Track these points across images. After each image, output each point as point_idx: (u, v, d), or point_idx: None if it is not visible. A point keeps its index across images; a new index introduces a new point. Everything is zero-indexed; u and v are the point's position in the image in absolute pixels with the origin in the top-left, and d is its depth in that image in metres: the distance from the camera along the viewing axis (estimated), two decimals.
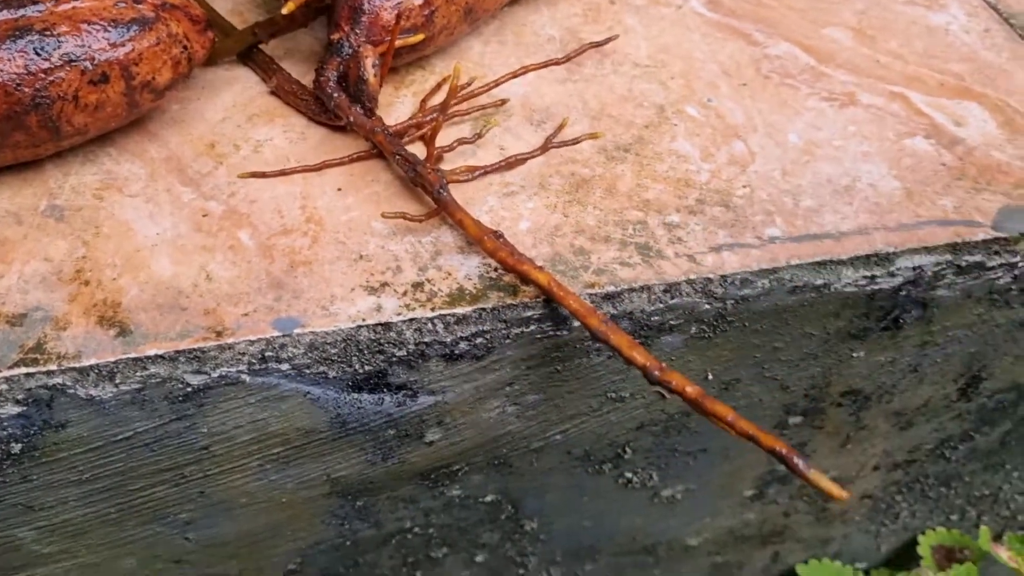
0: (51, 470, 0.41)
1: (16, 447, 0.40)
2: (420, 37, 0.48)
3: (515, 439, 0.48)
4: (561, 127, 0.48)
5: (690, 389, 0.36)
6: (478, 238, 0.41)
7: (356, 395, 0.43)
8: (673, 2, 0.57)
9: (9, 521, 0.43)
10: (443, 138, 0.48)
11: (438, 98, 0.50)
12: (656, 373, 0.37)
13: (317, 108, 0.48)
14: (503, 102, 0.49)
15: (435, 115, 0.46)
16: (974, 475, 0.62)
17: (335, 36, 0.47)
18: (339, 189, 0.46)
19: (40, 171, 0.45)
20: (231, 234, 0.43)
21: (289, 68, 0.51)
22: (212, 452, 0.43)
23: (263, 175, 0.46)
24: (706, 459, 0.53)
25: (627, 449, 0.51)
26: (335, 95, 0.46)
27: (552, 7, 0.56)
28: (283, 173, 0.46)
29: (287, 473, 0.45)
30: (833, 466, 0.57)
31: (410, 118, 0.48)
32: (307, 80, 0.50)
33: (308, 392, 0.42)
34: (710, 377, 0.48)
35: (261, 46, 0.51)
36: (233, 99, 0.50)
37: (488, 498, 0.51)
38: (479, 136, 0.47)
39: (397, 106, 0.50)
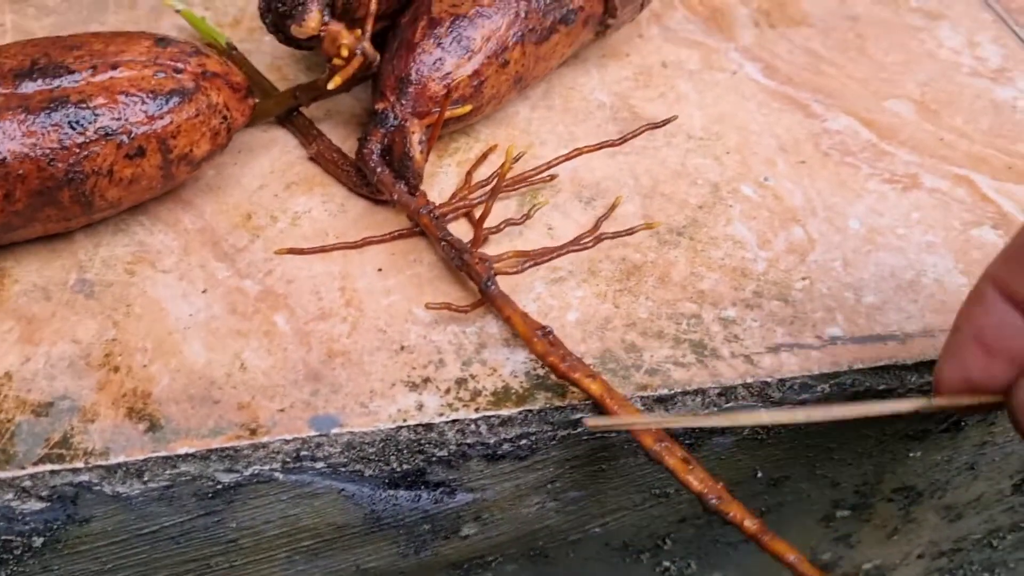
0: (72, 561, 0.40)
1: (38, 541, 0.38)
2: (467, 108, 0.46)
3: (553, 532, 0.46)
4: (613, 207, 0.46)
5: (749, 523, 0.34)
6: (527, 338, 0.39)
7: (392, 492, 0.41)
8: (727, 67, 0.55)
9: None
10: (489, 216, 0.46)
11: (484, 169, 0.48)
12: (714, 501, 0.35)
13: (358, 179, 0.46)
14: (552, 178, 0.47)
15: (482, 196, 0.44)
16: (1020, 563, 0.60)
17: (380, 106, 0.45)
18: (380, 269, 0.44)
19: (70, 242, 0.44)
20: (267, 317, 0.42)
21: (328, 131, 0.49)
22: (240, 545, 0.41)
23: (301, 251, 0.44)
24: (747, 548, 0.51)
25: (667, 540, 0.49)
26: (378, 170, 0.44)
27: (602, 69, 0.54)
28: (322, 250, 0.44)
29: (316, 564, 0.43)
30: (878, 555, 0.55)
31: (455, 193, 0.46)
32: (347, 146, 0.48)
33: (343, 489, 0.40)
34: (759, 475, 0.45)
35: (301, 109, 0.49)
36: (271, 164, 0.48)
37: None
38: (527, 217, 0.45)
39: (440, 176, 0.48)
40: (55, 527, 0.38)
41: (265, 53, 0.54)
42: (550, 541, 0.46)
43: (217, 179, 0.47)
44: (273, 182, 0.47)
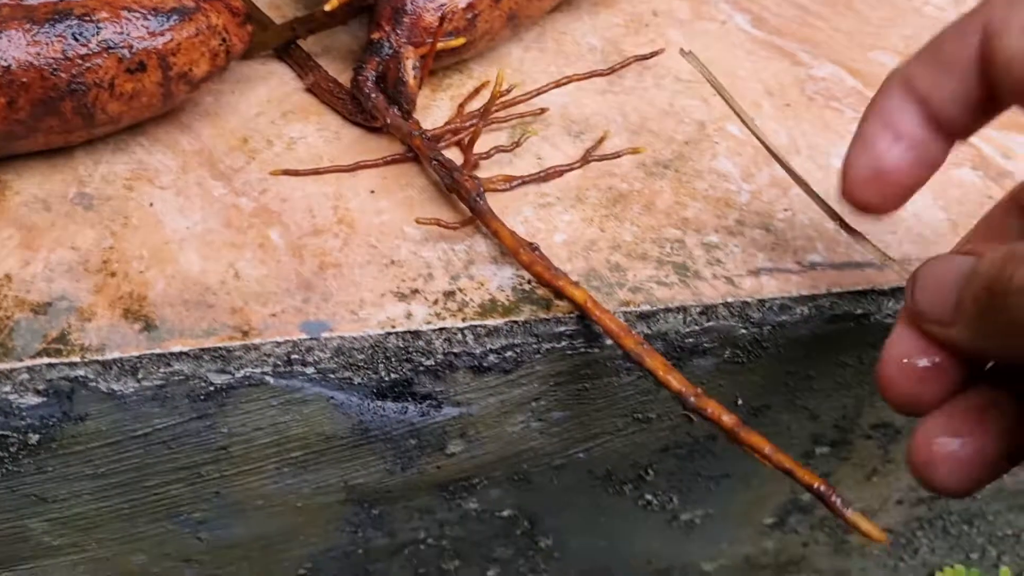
0: (67, 463, 0.41)
1: (34, 437, 0.39)
2: (461, 41, 0.47)
3: (537, 455, 0.47)
4: (601, 140, 0.47)
5: (726, 418, 0.35)
6: (513, 250, 0.40)
7: (380, 403, 0.42)
8: (717, 17, 0.56)
9: (21, 512, 0.42)
10: (480, 145, 0.47)
11: (476, 103, 0.49)
12: (692, 399, 0.36)
13: (353, 108, 0.47)
14: (542, 111, 0.48)
15: (474, 121, 0.45)
16: (998, 515, 0.61)
17: (375, 35, 0.47)
18: (372, 191, 0.45)
19: (70, 158, 0.45)
20: (261, 232, 0.43)
21: (325, 65, 0.50)
22: (230, 453, 0.42)
23: (296, 173, 0.45)
24: (728, 485, 0.52)
25: (649, 471, 0.50)
26: (373, 95, 0.45)
27: (594, 16, 0.56)
28: (316, 172, 0.45)
29: (304, 478, 0.44)
30: (857, 498, 0.56)
31: (447, 122, 0.47)
32: (344, 79, 0.49)
33: (332, 397, 0.41)
34: (740, 402, 0.47)
35: (299, 42, 0.50)
36: (268, 94, 0.49)
37: (505, 513, 0.50)
38: (517, 144, 0.46)
39: (434, 109, 0.49)
40: (51, 423, 0.39)
41: None
42: (534, 465, 0.47)
43: (215, 106, 0.48)
44: (270, 110, 0.48)
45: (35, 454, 0.40)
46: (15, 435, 0.39)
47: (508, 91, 0.48)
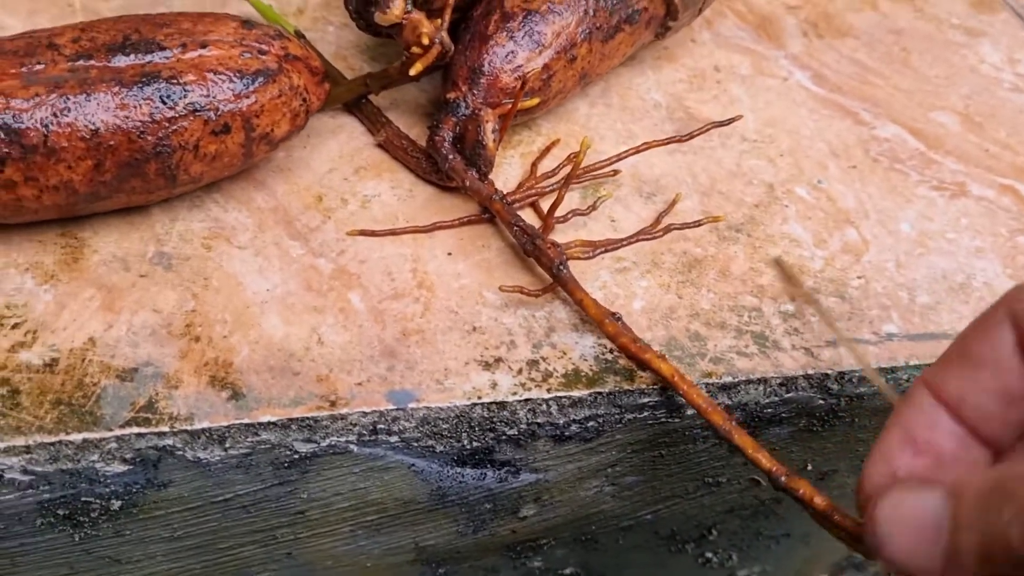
0: (145, 526, 0.40)
1: (116, 504, 0.39)
2: (536, 101, 0.47)
3: (606, 517, 0.47)
4: (674, 203, 0.47)
5: (819, 500, 0.36)
6: (599, 321, 0.40)
7: (459, 469, 0.42)
8: (778, 74, 0.57)
9: (95, 573, 0.42)
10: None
11: (546, 162, 0.49)
12: (782, 480, 0.36)
13: (427, 166, 0.47)
14: (615, 172, 0.48)
15: (551, 184, 0.46)
16: None
17: (451, 95, 0.47)
18: (449, 253, 0.45)
19: (147, 216, 0.45)
20: (341, 295, 0.43)
21: (394, 119, 0.50)
22: (307, 516, 0.42)
23: (373, 234, 0.45)
24: (788, 543, 0.53)
25: (713, 531, 0.50)
26: (450, 157, 0.45)
27: (657, 71, 0.56)
28: (393, 233, 0.45)
29: (376, 540, 0.44)
30: None
31: (521, 183, 0.47)
32: (413, 134, 0.49)
33: (413, 464, 0.41)
34: (809, 467, 0.47)
35: (370, 97, 0.50)
36: (339, 149, 0.49)
37: (567, 571, 0.50)
38: (593, 208, 0.46)
39: (504, 166, 0.49)
40: (134, 490, 0.39)
41: (330, 42, 0.55)
42: (602, 526, 0.47)
43: (287, 161, 0.48)
44: (342, 166, 0.48)
45: (115, 519, 0.40)
46: (98, 501, 0.39)
47: (584, 151, 0.48)
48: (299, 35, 0.52)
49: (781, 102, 0.55)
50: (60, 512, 0.39)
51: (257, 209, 0.46)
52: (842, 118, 0.54)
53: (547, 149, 0.49)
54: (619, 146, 0.51)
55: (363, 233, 0.45)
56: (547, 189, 0.46)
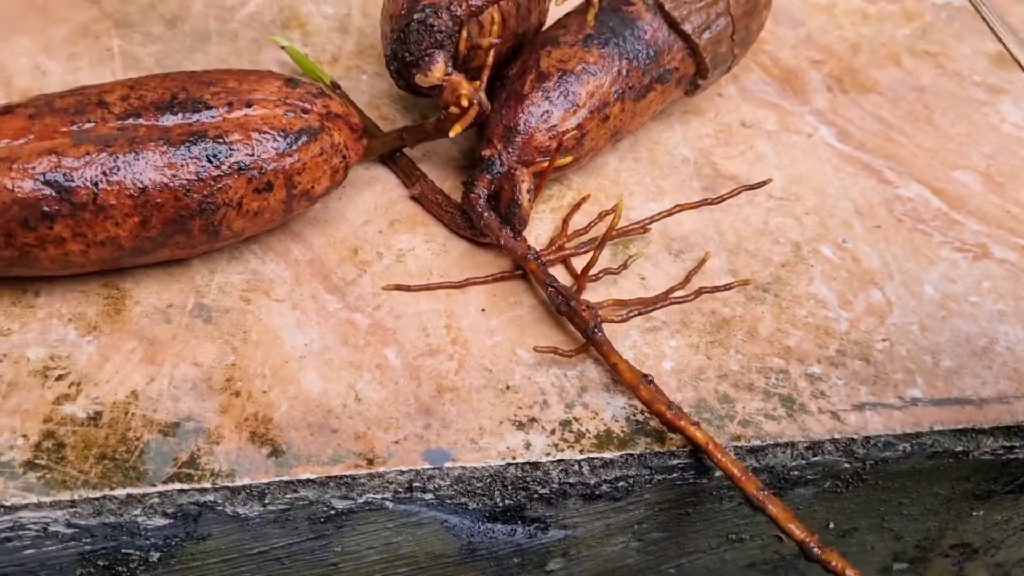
0: None
1: (155, 555, 0.40)
2: (569, 160, 0.48)
3: (631, 571, 0.47)
4: (703, 262, 0.48)
5: (851, 572, 0.36)
6: (633, 385, 0.41)
7: (491, 525, 0.42)
8: (803, 130, 0.57)
9: None
10: (582, 261, 0.48)
11: (577, 217, 0.50)
12: (815, 550, 0.37)
13: (461, 221, 0.48)
14: (646, 230, 0.49)
15: (582, 243, 0.46)
16: None
17: (486, 152, 0.47)
18: (482, 310, 0.46)
19: (187, 267, 0.45)
20: (378, 351, 0.43)
21: (426, 171, 0.51)
22: (339, 568, 0.43)
23: (408, 288, 0.46)
24: None
25: None
26: (485, 214, 0.46)
27: (684, 125, 0.57)
28: (427, 288, 0.46)
29: None
30: None
31: (553, 241, 0.48)
32: (445, 186, 0.50)
33: (445, 520, 0.42)
34: (831, 526, 0.47)
35: (404, 149, 0.51)
36: (374, 201, 0.50)
37: None
38: (624, 267, 0.47)
39: (535, 221, 0.50)
40: (173, 543, 0.39)
41: (364, 91, 0.56)
42: None
43: (323, 212, 0.49)
44: (377, 218, 0.49)
45: (152, 569, 0.40)
46: (137, 553, 0.39)
47: (613, 211, 0.49)
48: (334, 86, 0.53)
49: (807, 159, 0.56)
50: (100, 563, 0.39)
51: (294, 261, 0.47)
52: (867, 176, 0.55)
53: (577, 205, 0.50)
54: (648, 201, 0.52)
55: (398, 288, 0.46)
56: (584, 250, 0.47)
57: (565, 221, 0.49)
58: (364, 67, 0.57)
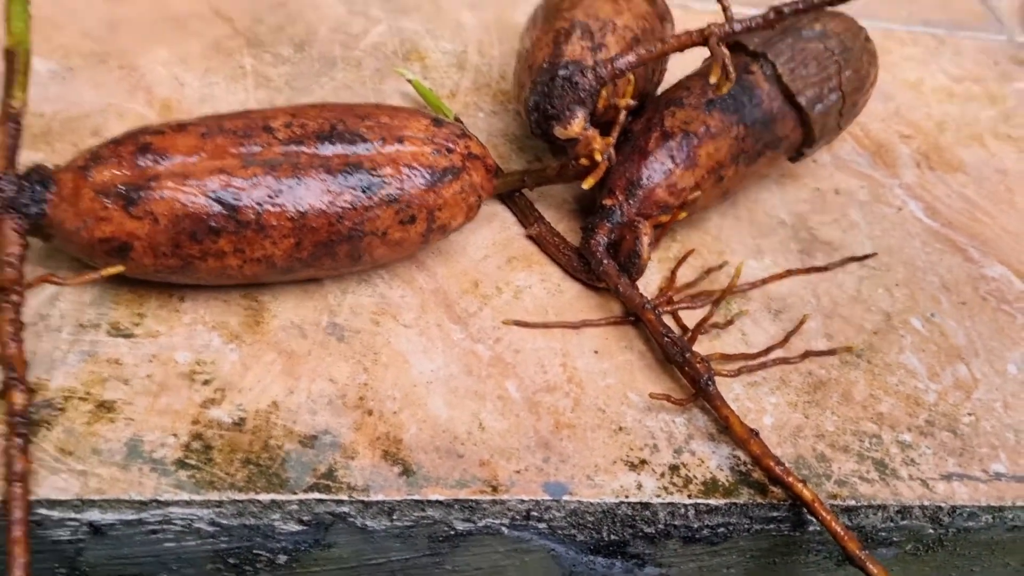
0: None
1: (282, 558, 0.42)
2: (684, 215, 0.51)
3: None
4: (801, 323, 0.51)
5: None
6: (743, 440, 0.43)
7: (592, 557, 0.45)
8: (893, 203, 0.60)
9: None
10: (685, 314, 0.50)
11: (682, 270, 0.52)
12: None
13: (578, 264, 0.51)
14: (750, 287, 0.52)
15: (694, 300, 0.49)
16: None
17: (608, 202, 0.50)
18: (596, 352, 0.48)
19: (320, 285, 0.48)
20: (499, 383, 0.46)
21: (540, 210, 0.54)
22: None
23: (526, 325, 0.48)
24: None
25: None
26: (604, 261, 0.49)
27: (782, 188, 0.59)
28: (545, 326, 0.48)
29: None
30: None
31: (661, 291, 0.51)
32: (558, 229, 0.53)
33: (553, 549, 0.44)
34: None
35: (524, 190, 0.53)
36: (492, 237, 0.52)
37: None
38: (730, 323, 0.50)
39: None
40: (302, 548, 0.42)
41: (480, 128, 0.58)
42: None
43: (446, 244, 0.51)
44: (495, 254, 0.52)
45: (276, 570, 0.43)
46: (267, 554, 0.42)
47: (721, 267, 0.52)
48: (457, 121, 0.56)
49: (896, 231, 0.58)
50: (231, 560, 0.42)
51: (419, 289, 0.49)
52: (952, 253, 0.58)
53: (683, 258, 0.53)
54: (747, 258, 0.54)
55: (517, 323, 0.48)
56: (700, 305, 0.50)
57: (673, 273, 0.52)
58: (480, 104, 0.60)
